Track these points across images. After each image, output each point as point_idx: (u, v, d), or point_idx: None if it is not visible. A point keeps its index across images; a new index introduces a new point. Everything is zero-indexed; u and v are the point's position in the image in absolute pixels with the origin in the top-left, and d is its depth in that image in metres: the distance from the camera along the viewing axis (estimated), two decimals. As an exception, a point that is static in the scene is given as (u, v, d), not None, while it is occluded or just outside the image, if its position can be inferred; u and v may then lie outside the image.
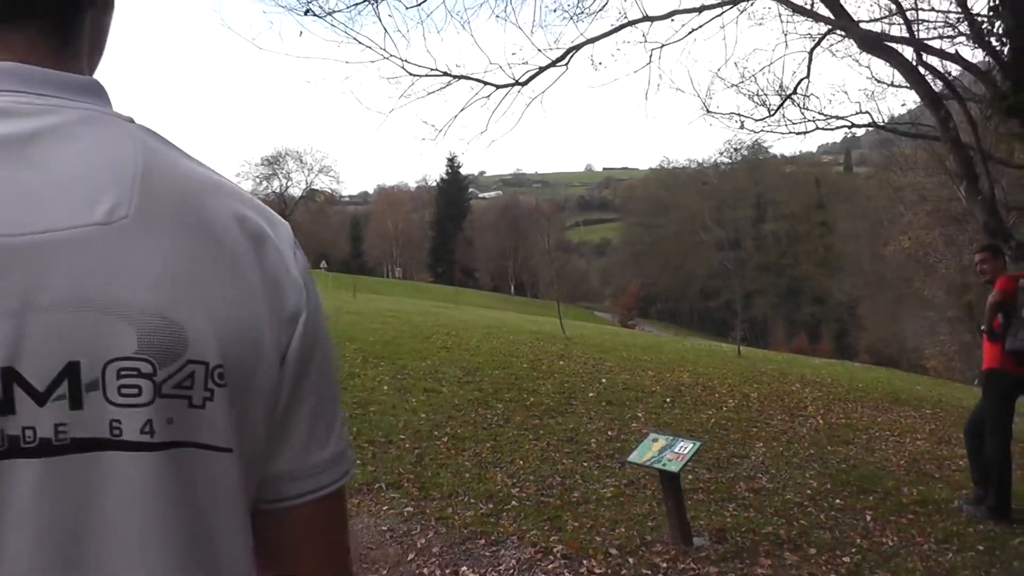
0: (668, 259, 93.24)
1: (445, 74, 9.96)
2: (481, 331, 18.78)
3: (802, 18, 11.13)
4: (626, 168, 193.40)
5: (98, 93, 0.88)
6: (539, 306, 68.74)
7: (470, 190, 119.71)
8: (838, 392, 14.77)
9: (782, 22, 11.73)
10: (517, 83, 10.09)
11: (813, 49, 11.63)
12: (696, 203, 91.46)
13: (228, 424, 0.82)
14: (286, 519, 0.91)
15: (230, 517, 0.83)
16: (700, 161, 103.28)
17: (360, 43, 9.74)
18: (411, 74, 10.01)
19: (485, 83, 10.03)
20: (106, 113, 0.85)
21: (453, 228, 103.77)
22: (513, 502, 6.80)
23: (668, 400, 12.13)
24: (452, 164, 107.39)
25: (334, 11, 9.66)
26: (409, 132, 10.11)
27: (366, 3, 9.71)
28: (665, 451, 5.82)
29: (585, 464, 8.18)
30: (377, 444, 8.07)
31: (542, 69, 10.14)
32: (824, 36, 11.49)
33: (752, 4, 11.19)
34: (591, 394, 11.96)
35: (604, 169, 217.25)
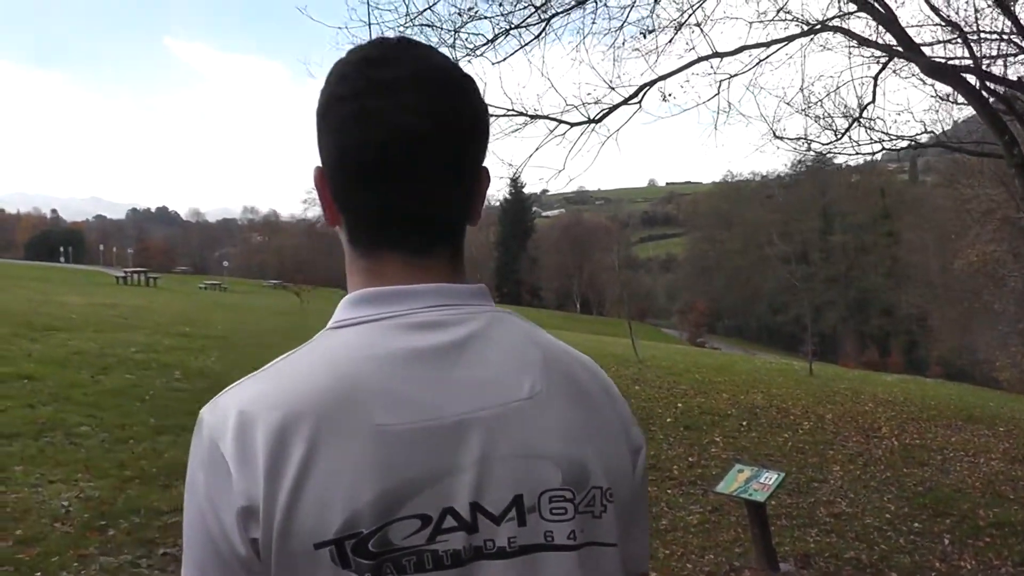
0: (735, 274, 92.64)
1: (522, 114, 10.40)
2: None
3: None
4: (689, 182, 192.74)
5: (486, 294, 1.21)
6: (606, 324, 68.85)
7: (533, 209, 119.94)
8: (911, 411, 14.92)
9: (848, 49, 11.95)
10: (591, 120, 10.49)
11: (878, 74, 11.87)
12: (762, 216, 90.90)
13: (614, 527, 1.16)
14: None
15: None
16: (764, 174, 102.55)
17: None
18: (494, 115, 10.47)
19: (561, 121, 10.44)
20: (499, 311, 1.19)
21: (518, 247, 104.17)
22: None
23: (744, 423, 12.41)
24: (515, 184, 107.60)
25: None
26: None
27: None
28: (751, 481, 6.15)
29: (669, 491, 8.52)
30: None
31: (615, 107, 10.53)
32: (889, 61, 11.72)
33: (815, 37, 11.43)
34: (668, 419, 12.29)
35: (667, 184, 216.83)
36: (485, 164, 1.24)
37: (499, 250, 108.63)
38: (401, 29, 9.52)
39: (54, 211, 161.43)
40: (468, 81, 1.21)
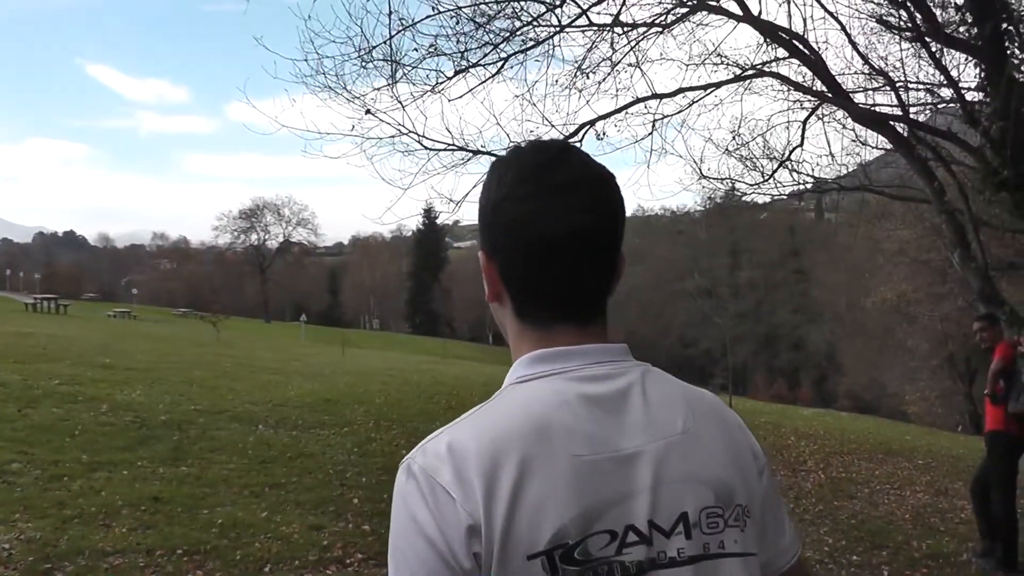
0: (646, 308, 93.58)
1: (463, 148, 10.42)
2: (480, 387, 19.14)
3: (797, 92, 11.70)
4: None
5: (628, 351, 1.45)
6: (519, 355, 68.62)
7: (446, 240, 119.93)
8: (833, 445, 15.25)
9: (778, 93, 12.27)
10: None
11: (807, 119, 12.19)
12: (672, 251, 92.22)
13: (752, 538, 1.38)
14: None
15: None
16: (674, 209, 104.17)
17: (378, 118, 10.16)
18: (427, 148, 10.46)
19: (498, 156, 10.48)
20: (645, 365, 1.45)
21: (430, 278, 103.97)
22: None
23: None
24: (428, 215, 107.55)
25: (347, 86, 10.03)
26: (378, 186, 10.47)
27: (387, 86, 10.12)
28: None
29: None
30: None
31: (559, 144, 10.63)
32: (818, 107, 12.05)
33: (753, 81, 11.72)
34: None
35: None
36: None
37: (412, 280, 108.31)
38: (356, 62, 9.50)
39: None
40: (614, 180, 1.45)
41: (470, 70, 9.70)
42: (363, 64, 9.46)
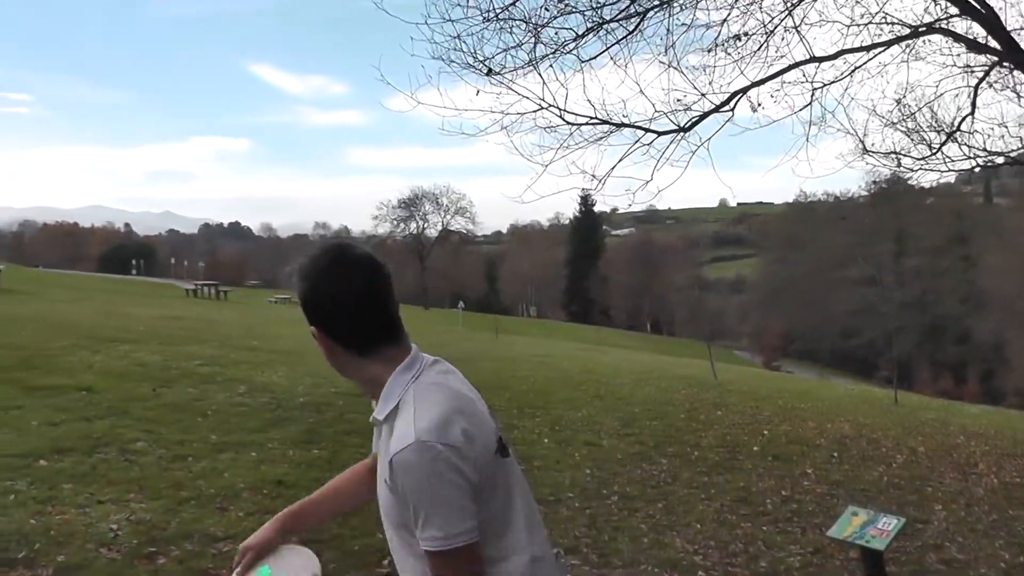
0: (807, 296, 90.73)
1: (605, 122, 9.76)
2: (631, 377, 18.52)
3: (966, 52, 10.67)
4: (761, 203, 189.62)
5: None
6: (676, 344, 67.85)
7: (603, 228, 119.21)
8: (1004, 446, 14.05)
9: (947, 58, 11.21)
10: (681, 129, 9.83)
11: (978, 85, 11.12)
12: (835, 238, 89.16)
13: None
14: None
15: None
16: (838, 195, 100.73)
17: (517, 92, 9.62)
18: (569, 123, 9.86)
19: (648, 130, 9.79)
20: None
21: (587, 266, 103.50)
22: (700, 572, 6.52)
23: (835, 455, 11.66)
24: (585, 203, 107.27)
25: (488, 59, 9.52)
26: (551, 176, 9.86)
27: (519, 48, 9.56)
28: (867, 527, 5.48)
29: (764, 528, 7.84)
30: (546, 503, 7.86)
31: (706, 114, 9.86)
32: (990, 70, 10.99)
33: (921, 39, 10.71)
34: (755, 448, 11.59)
35: (738, 204, 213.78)
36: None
37: (569, 268, 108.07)
38: (479, 22, 8.95)
39: (127, 225, 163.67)
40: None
41: (605, 26, 9.01)
42: (485, 22, 8.89)
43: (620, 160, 10.05)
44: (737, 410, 14.94)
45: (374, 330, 2.16)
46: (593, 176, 10.00)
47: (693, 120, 9.93)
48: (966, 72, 11.42)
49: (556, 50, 9.12)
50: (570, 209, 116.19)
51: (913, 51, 11.16)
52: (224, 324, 22.84)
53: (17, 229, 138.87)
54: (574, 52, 9.28)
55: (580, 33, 9.07)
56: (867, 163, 12.46)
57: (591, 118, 9.83)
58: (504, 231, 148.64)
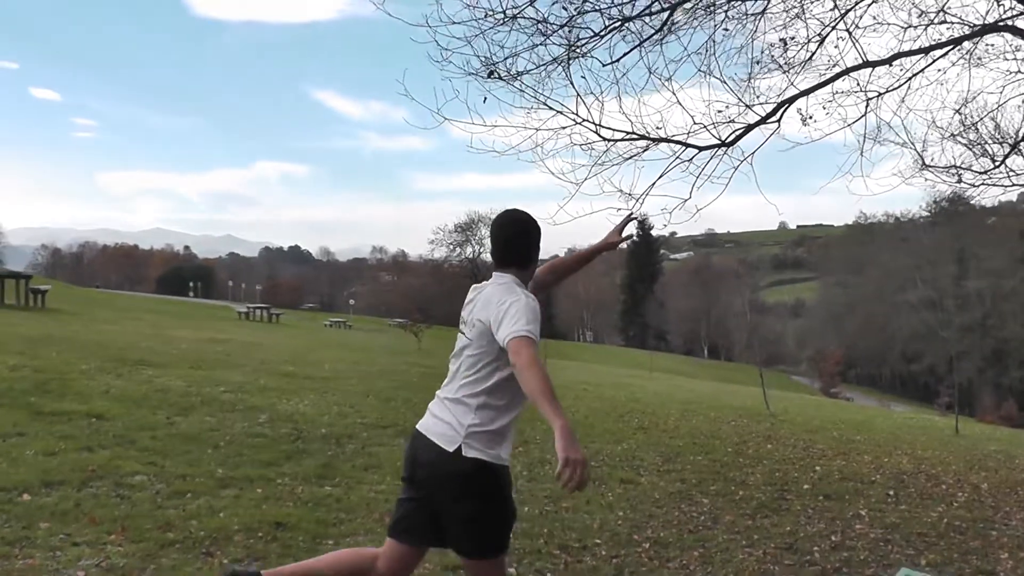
0: (867, 320, 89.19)
1: (643, 137, 9.09)
2: (679, 407, 17.76)
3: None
4: (820, 225, 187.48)
5: (510, 276, 4.15)
6: (733, 369, 66.79)
7: (661, 252, 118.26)
8: (1078, 481, 13.05)
9: (1009, 63, 10.41)
10: (722, 144, 9.11)
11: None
12: (895, 260, 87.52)
13: (477, 332, 4.01)
14: None
15: None
16: (898, 215, 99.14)
17: (551, 108, 9.00)
18: (605, 139, 9.19)
19: (688, 145, 9.10)
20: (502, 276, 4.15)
21: (644, 290, 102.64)
22: (732, 638, 5.78)
23: (891, 493, 10.79)
24: (643, 226, 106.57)
25: (521, 73, 8.92)
26: (595, 196, 9.18)
27: (556, 64, 8.96)
28: (924, 593, 4.74)
29: (810, 582, 7.06)
30: (570, 551, 7.16)
31: (751, 127, 9.14)
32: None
33: (983, 41, 9.94)
34: (806, 486, 10.77)
35: (798, 227, 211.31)
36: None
37: (625, 292, 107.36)
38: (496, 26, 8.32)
39: (187, 247, 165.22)
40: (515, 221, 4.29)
41: (628, 24, 8.32)
42: (497, 24, 8.24)
43: (659, 177, 9.37)
44: (789, 443, 14.13)
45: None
46: (630, 195, 9.31)
47: (737, 133, 9.22)
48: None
49: (571, 47, 8.43)
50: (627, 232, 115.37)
51: (974, 56, 10.41)
52: (267, 348, 22.42)
53: (77, 250, 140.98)
54: (596, 55, 8.61)
55: (599, 32, 8.37)
56: (926, 179, 11.67)
57: (628, 133, 9.17)
58: (561, 255, 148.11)
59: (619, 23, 8.24)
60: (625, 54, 8.64)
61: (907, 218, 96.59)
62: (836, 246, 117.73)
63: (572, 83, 8.93)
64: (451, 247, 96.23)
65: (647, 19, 8.36)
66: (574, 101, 9.01)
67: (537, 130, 9.13)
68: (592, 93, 8.98)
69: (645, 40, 8.50)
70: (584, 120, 9.05)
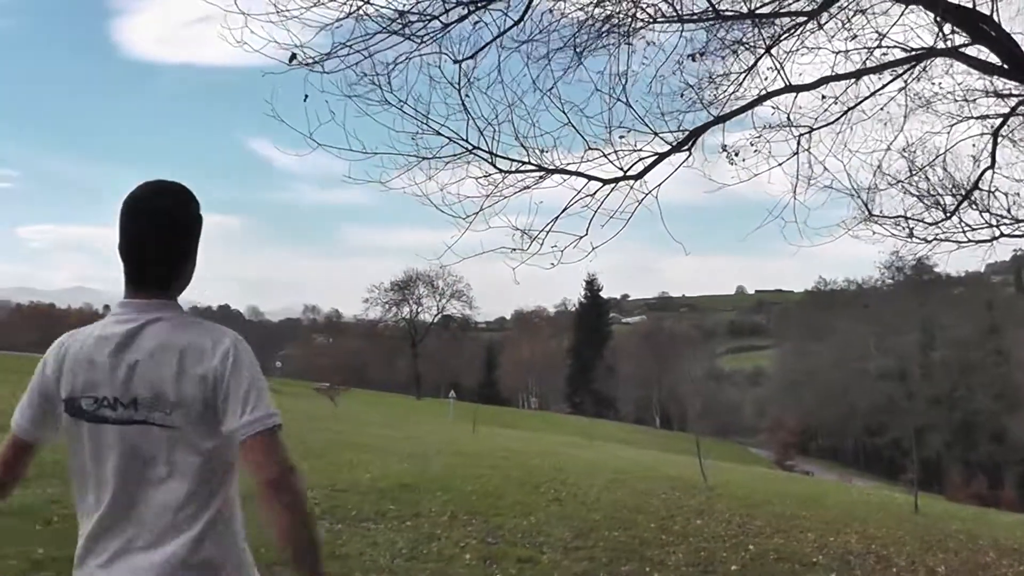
0: (828, 389, 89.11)
1: (540, 168, 8.40)
2: (607, 477, 17.01)
3: (981, 95, 9.41)
4: (779, 290, 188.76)
5: (159, 306, 2.57)
6: (685, 440, 65.83)
7: (611, 315, 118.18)
8: (1044, 565, 12.46)
9: (956, 101, 9.96)
10: (627, 176, 8.42)
11: (999, 129, 9.88)
12: (857, 328, 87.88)
13: (182, 417, 2.49)
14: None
15: None
16: (860, 281, 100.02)
17: (439, 133, 8.26)
18: (500, 170, 8.50)
19: (589, 177, 8.38)
20: (154, 314, 2.56)
21: (593, 355, 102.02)
22: None
23: (833, 576, 10.07)
24: (592, 287, 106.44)
25: (328, 55, 7.94)
26: (485, 232, 8.42)
27: (413, 52, 8.05)
28: None
29: None
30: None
31: (661, 156, 8.44)
32: (1010, 115, 9.74)
33: (921, 73, 9.46)
34: (734, 567, 10.00)
35: (756, 291, 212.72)
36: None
37: (573, 357, 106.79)
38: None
39: (107, 306, 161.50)
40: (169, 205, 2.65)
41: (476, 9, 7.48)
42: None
43: (560, 214, 8.65)
44: (723, 519, 13.40)
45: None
46: (524, 233, 8.57)
47: (646, 164, 8.54)
48: (981, 121, 10.23)
49: (417, 43, 7.58)
50: (575, 295, 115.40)
51: (919, 96, 9.94)
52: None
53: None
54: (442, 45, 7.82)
55: (438, 15, 7.48)
56: (873, 232, 11.12)
57: (523, 163, 8.47)
58: (508, 317, 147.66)
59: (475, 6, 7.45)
60: (472, 55, 7.88)
61: (868, 284, 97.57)
62: (795, 312, 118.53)
63: (466, 109, 8.20)
64: (387, 306, 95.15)
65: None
66: (465, 127, 8.29)
67: (423, 159, 8.39)
68: (484, 117, 8.26)
69: (503, 32, 7.74)
70: (475, 147, 8.34)
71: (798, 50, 9.11)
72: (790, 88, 8.67)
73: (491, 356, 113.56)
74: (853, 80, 8.94)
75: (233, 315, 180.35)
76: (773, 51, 8.60)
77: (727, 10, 8.56)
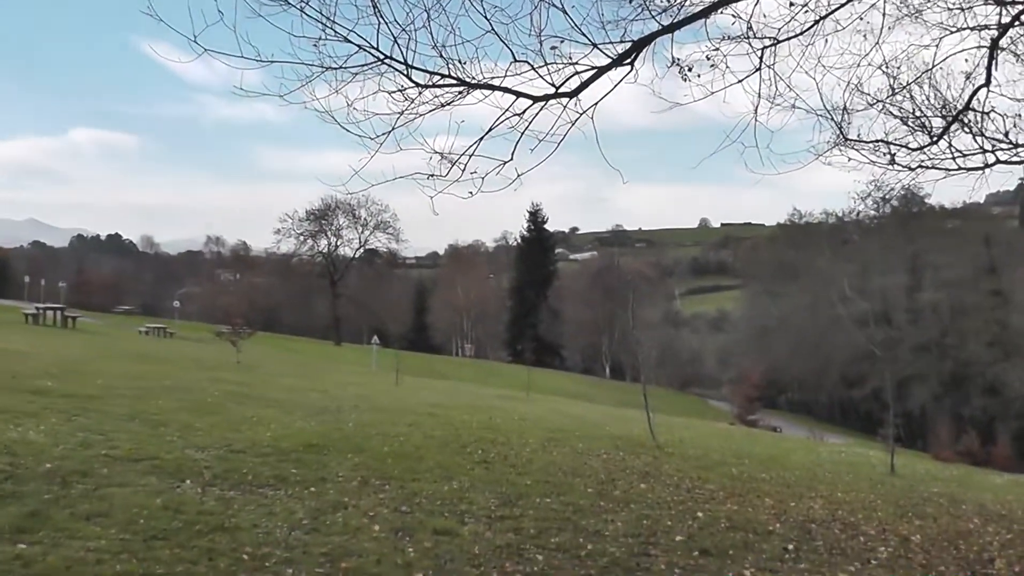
0: (801, 336, 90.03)
1: (461, 81, 8.28)
2: (543, 436, 17.08)
3: (979, 3, 9.41)
4: (749, 224, 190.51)
5: None
6: (637, 393, 66.42)
7: (558, 251, 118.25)
8: (1034, 531, 12.78)
9: (949, 10, 9.94)
10: (560, 94, 8.33)
11: (998, 39, 9.88)
12: (835, 266, 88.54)
13: None
14: None
15: None
16: (839, 214, 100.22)
17: (349, 41, 8.10)
18: (416, 83, 8.36)
19: (516, 93, 8.29)
20: None
21: (536, 297, 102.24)
22: None
23: (790, 547, 10.21)
24: (536, 219, 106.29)
25: None
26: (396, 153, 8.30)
27: None
28: None
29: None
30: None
31: (600, 71, 8.37)
32: (1013, 22, 9.72)
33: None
34: (679, 537, 10.11)
35: (722, 225, 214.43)
36: None
37: (514, 299, 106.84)
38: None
39: None
40: None
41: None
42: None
43: (484, 136, 8.54)
44: (671, 482, 13.56)
45: None
46: (443, 157, 8.47)
47: (584, 79, 8.45)
48: (978, 33, 10.23)
49: None
50: (517, 227, 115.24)
51: (906, 3, 9.91)
52: (33, 358, 21.23)
53: None
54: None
55: None
56: (849, 158, 11.10)
57: (442, 76, 8.34)
58: (441, 252, 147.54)
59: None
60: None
61: (849, 217, 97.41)
62: (766, 248, 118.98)
63: (375, 6, 8.02)
64: (301, 238, 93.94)
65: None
66: (375, 34, 8.13)
67: (327, 69, 8.22)
68: (397, 22, 8.10)
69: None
70: (388, 57, 8.19)
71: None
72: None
73: (421, 297, 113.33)
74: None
75: (125, 246, 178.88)
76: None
77: None
